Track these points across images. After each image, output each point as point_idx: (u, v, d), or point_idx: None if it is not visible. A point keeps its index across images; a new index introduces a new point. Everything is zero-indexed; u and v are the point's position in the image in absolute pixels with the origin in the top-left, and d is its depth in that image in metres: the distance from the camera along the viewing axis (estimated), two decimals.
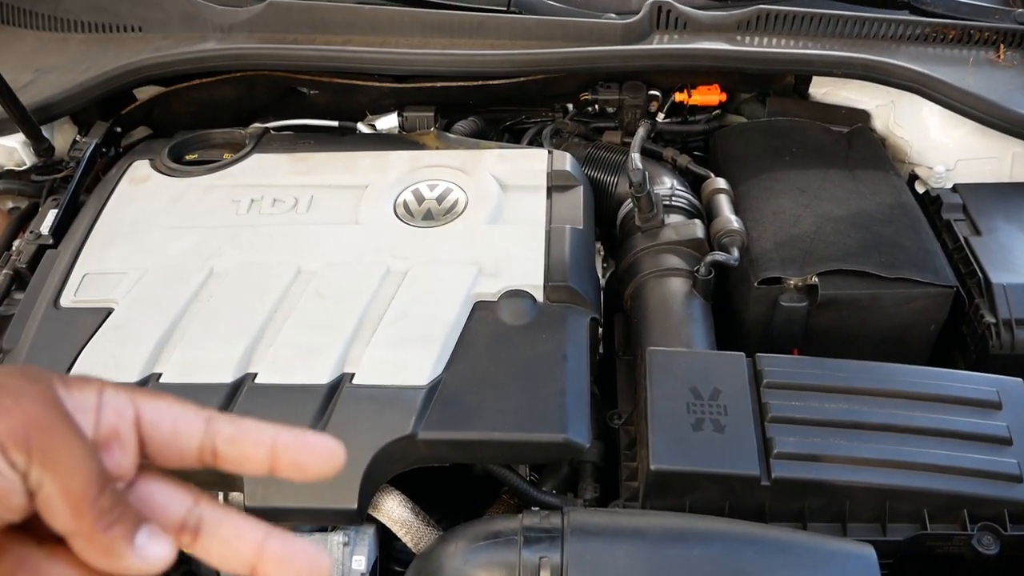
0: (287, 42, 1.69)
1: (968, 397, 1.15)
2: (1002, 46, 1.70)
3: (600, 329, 1.35)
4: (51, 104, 1.62)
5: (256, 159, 1.55)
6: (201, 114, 1.77)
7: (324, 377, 1.15)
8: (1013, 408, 1.14)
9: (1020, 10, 1.76)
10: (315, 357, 1.17)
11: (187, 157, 1.61)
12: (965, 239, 1.46)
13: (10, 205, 1.68)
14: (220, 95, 1.77)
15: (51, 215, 1.49)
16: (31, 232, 1.47)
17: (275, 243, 1.36)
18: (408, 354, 1.17)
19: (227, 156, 1.57)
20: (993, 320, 1.34)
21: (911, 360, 1.35)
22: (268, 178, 1.50)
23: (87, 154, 1.60)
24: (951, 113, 1.59)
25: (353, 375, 1.15)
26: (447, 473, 1.29)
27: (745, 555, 0.97)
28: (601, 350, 1.40)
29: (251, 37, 1.71)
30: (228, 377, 1.15)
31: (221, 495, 1.13)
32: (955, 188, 1.57)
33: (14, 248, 1.48)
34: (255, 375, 1.16)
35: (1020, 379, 1.18)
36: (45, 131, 1.62)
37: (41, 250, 1.42)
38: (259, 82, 1.76)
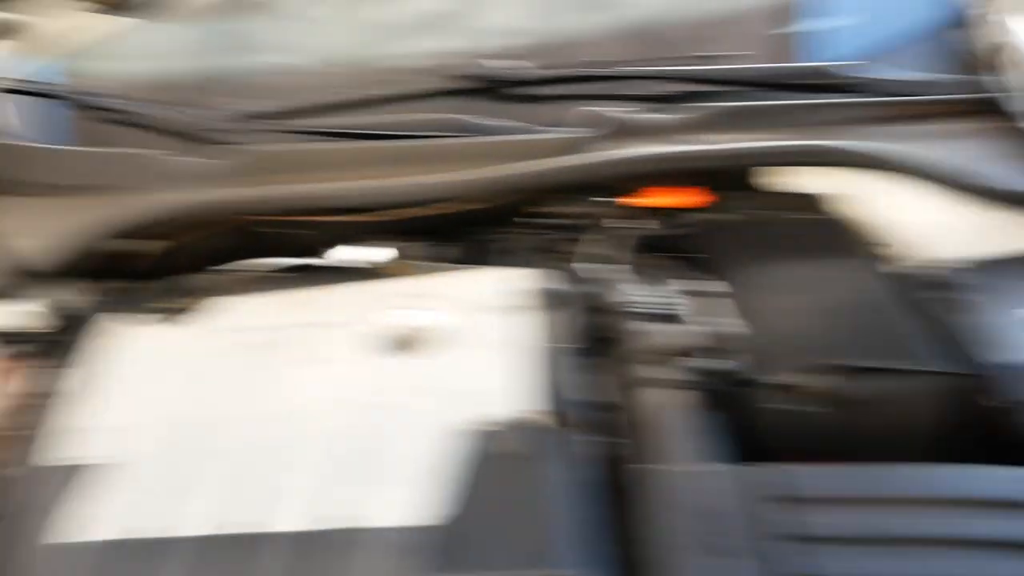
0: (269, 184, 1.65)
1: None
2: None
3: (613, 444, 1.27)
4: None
5: (235, 302, 1.52)
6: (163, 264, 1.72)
7: (326, 523, 1.09)
8: None
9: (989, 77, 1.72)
10: (318, 501, 1.12)
11: (160, 305, 1.54)
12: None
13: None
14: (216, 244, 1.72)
15: (49, 373, 1.43)
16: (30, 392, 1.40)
17: (268, 389, 1.32)
18: (403, 493, 1.12)
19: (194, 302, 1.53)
20: None
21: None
22: (258, 320, 1.47)
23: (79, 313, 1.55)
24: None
25: (355, 518, 1.09)
26: None
27: None
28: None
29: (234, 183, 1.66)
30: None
31: None
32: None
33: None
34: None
35: None
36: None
37: (40, 407, 1.35)
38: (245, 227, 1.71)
